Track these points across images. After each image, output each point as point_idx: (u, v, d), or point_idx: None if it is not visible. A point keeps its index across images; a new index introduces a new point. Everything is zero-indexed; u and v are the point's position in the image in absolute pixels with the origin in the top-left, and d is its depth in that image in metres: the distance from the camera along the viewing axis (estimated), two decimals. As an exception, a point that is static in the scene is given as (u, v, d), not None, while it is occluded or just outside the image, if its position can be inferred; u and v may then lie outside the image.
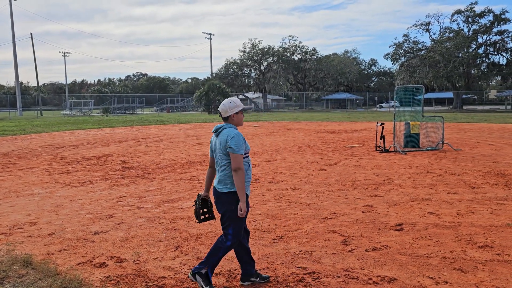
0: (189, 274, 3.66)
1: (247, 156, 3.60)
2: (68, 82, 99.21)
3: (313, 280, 3.75)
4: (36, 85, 66.47)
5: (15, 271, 4.04)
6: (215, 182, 3.63)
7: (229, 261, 4.23)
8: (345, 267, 4.03)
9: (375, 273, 3.89)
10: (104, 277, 3.89)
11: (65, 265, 4.19)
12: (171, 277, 3.87)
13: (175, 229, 5.31)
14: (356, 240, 4.81)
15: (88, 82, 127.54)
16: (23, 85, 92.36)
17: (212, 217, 3.86)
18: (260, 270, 3.97)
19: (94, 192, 7.65)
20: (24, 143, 17.04)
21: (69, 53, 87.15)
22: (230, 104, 3.59)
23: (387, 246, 4.59)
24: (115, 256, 4.41)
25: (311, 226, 5.36)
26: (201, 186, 7.98)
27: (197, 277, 3.58)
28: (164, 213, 6.10)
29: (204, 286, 3.54)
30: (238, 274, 3.91)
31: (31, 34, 61.81)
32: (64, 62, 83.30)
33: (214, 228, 5.34)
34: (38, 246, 4.76)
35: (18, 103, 55.87)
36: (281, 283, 3.70)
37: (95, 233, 5.20)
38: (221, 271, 4.00)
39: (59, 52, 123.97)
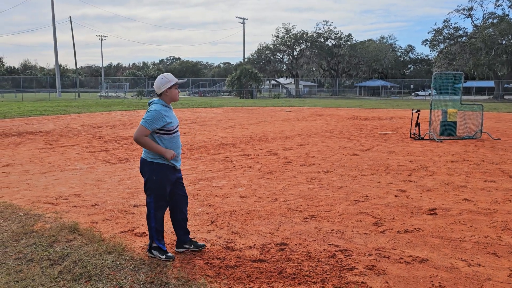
0: (148, 254, 3.86)
1: (174, 132, 3.75)
2: (104, 65, 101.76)
3: (345, 257, 3.84)
4: (74, 67, 68.75)
5: (63, 236, 4.34)
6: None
7: (263, 236, 4.37)
8: (376, 247, 4.10)
9: (406, 253, 3.94)
10: (144, 245, 4.12)
11: (109, 233, 4.46)
12: (208, 248, 4.05)
13: (210, 205, 5.51)
14: (388, 222, 4.85)
15: (123, 65, 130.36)
16: (62, 67, 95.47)
17: None
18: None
19: (132, 169, 7.96)
20: (64, 123, 17.78)
21: (105, 36, 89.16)
22: (162, 80, 3.70)
23: (420, 229, 4.61)
24: (154, 227, 4.63)
25: (343, 207, 5.43)
26: (234, 166, 8.16)
27: (153, 252, 3.82)
28: (199, 190, 6.31)
29: (161, 257, 3.76)
30: (271, 248, 4.06)
31: (70, 17, 63.64)
32: (101, 46, 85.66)
33: (247, 206, 5.50)
34: (83, 216, 5.06)
35: (57, 85, 57.94)
36: (313, 258, 3.81)
37: (134, 206, 5.46)
38: (254, 244, 4.15)
39: (96, 35, 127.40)
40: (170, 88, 3.71)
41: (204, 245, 4.05)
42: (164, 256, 3.76)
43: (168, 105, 3.79)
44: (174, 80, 3.74)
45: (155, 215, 3.80)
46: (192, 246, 4.00)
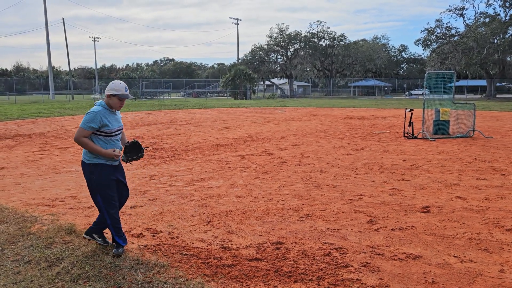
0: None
1: (112, 135, 3.85)
2: (98, 66, 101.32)
3: (340, 255, 3.91)
4: (68, 69, 68.55)
5: (60, 237, 4.36)
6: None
7: (259, 236, 4.42)
8: (371, 244, 4.16)
9: (400, 250, 4.01)
10: (142, 245, 4.16)
11: (106, 234, 4.47)
12: (204, 248, 4.10)
13: (206, 206, 5.55)
14: (382, 220, 4.92)
15: (117, 67, 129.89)
16: (55, 69, 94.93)
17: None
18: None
19: (128, 170, 7.97)
20: (58, 125, 17.72)
21: (98, 38, 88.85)
22: (111, 85, 3.86)
23: (413, 226, 4.68)
24: (151, 228, 4.68)
25: (338, 206, 5.49)
26: (229, 167, 8.21)
27: (115, 246, 4.00)
28: (195, 191, 6.35)
29: (113, 250, 3.95)
30: (267, 247, 4.11)
31: (63, 19, 63.31)
32: (94, 47, 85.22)
33: (243, 206, 5.55)
34: (80, 217, 5.08)
35: (50, 87, 57.62)
36: (309, 256, 3.87)
37: (131, 207, 5.49)
38: (251, 244, 4.20)
39: (89, 37, 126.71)
40: (113, 95, 3.83)
41: (109, 243, 4.13)
42: (113, 250, 3.92)
43: (110, 108, 3.88)
44: (119, 91, 3.82)
45: (108, 213, 3.89)
46: (101, 239, 4.12)
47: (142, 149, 4.13)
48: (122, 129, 4.04)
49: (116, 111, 3.97)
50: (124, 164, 8.16)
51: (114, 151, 3.84)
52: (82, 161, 3.91)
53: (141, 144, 4.14)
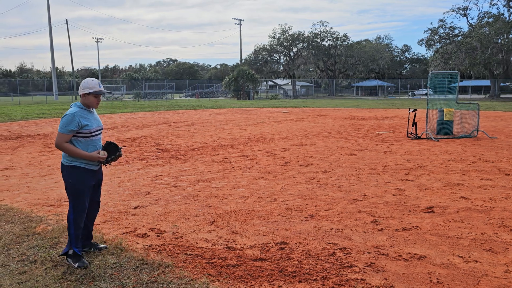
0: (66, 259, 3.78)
1: (92, 135, 3.75)
2: (101, 67, 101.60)
3: (344, 255, 3.91)
4: (71, 70, 68.85)
5: (65, 238, 4.38)
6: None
7: (263, 236, 4.43)
8: (375, 245, 4.16)
9: (405, 250, 4.00)
10: (146, 245, 4.17)
11: (110, 234, 4.50)
12: (209, 248, 4.11)
13: (210, 206, 5.56)
14: (386, 220, 4.91)
15: (120, 67, 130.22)
16: (58, 70, 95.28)
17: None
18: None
19: (132, 171, 8.01)
20: (62, 125, 17.77)
21: (102, 39, 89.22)
22: (84, 84, 3.74)
23: (418, 227, 4.67)
24: (155, 228, 4.69)
25: (342, 206, 5.49)
26: (233, 167, 8.21)
27: (68, 259, 3.73)
28: (199, 191, 6.36)
29: (73, 264, 3.67)
30: (272, 247, 4.11)
31: (66, 20, 63.46)
32: (97, 48, 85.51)
33: (247, 206, 5.56)
34: (84, 217, 5.10)
35: (54, 88, 57.85)
36: (313, 256, 3.87)
37: (135, 207, 5.51)
38: (255, 244, 4.21)
39: (92, 38, 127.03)
40: (88, 94, 3.73)
41: (106, 247, 4.04)
42: (76, 264, 3.65)
43: (87, 108, 3.79)
44: (94, 88, 3.72)
45: (75, 220, 3.71)
46: (92, 249, 3.98)
47: (119, 148, 4.00)
48: (102, 128, 3.92)
49: (93, 110, 3.88)
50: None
51: (99, 153, 3.74)
52: (61, 163, 3.79)
53: (116, 144, 4.00)
